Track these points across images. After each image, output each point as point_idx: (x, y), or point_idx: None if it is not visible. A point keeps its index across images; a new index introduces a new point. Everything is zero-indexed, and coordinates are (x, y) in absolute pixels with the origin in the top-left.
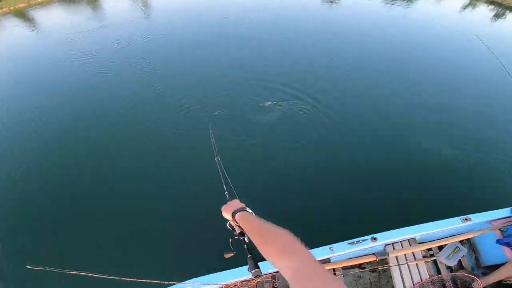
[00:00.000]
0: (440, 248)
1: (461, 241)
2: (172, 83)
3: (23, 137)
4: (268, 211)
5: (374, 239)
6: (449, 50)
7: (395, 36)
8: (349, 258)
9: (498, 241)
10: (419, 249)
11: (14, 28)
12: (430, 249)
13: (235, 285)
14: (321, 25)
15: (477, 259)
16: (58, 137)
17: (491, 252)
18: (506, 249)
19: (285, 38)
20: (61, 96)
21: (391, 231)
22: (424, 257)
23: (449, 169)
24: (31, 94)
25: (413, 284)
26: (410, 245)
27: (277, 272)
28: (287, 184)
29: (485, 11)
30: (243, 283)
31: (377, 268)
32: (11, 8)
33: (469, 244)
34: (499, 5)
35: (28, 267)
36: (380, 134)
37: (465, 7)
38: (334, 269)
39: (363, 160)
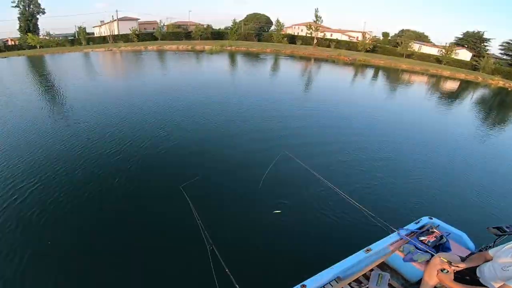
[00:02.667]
0: (367, 278)
1: (381, 268)
2: None
3: None
4: None
5: (304, 286)
6: None
7: None
8: None
9: (404, 260)
10: (346, 283)
11: None
12: (360, 282)
13: None
14: None
15: (403, 278)
16: None
17: (412, 269)
18: (415, 264)
19: None
20: None
21: (315, 276)
22: None
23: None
24: None
25: None
26: (338, 283)
27: None
28: None
29: None
30: None
31: None
32: None
33: (389, 268)
34: None
35: None
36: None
37: None
38: None
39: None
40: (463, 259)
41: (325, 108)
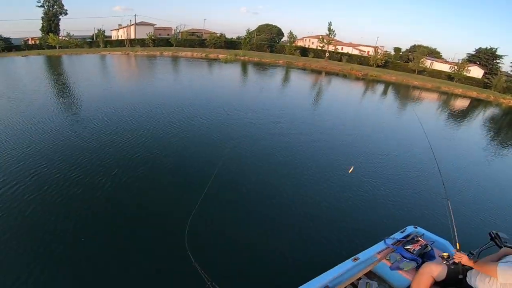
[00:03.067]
0: (354, 286)
1: (369, 277)
2: None
3: None
4: None
5: None
6: None
7: None
8: None
9: (391, 268)
10: None
11: None
12: None
13: None
14: None
15: (390, 287)
16: None
17: (398, 277)
18: (401, 272)
19: None
20: None
21: (301, 286)
22: None
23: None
24: None
25: None
26: None
27: None
28: None
29: None
30: None
31: None
32: None
33: (377, 277)
34: None
35: None
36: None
37: None
38: None
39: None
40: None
41: (324, 119)
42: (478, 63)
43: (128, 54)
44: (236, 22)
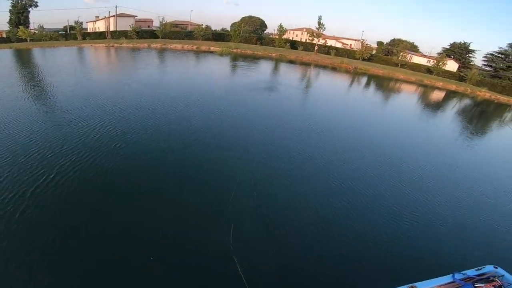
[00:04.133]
0: None
1: None
2: None
3: None
4: None
5: None
6: None
7: None
8: None
9: None
10: None
11: None
12: None
13: None
14: None
15: None
16: None
17: None
18: None
19: None
20: None
21: None
22: None
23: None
24: None
25: None
26: None
27: None
28: None
29: None
30: None
31: None
32: None
33: None
34: None
35: None
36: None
37: None
38: None
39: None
40: None
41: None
42: (452, 57)
43: (113, 46)
44: (217, 13)
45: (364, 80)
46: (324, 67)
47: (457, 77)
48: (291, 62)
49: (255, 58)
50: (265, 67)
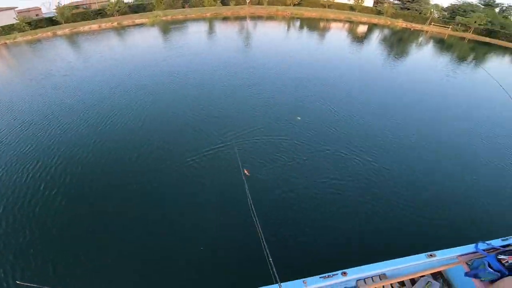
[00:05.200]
0: (412, 282)
1: (434, 276)
2: None
3: None
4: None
5: (345, 273)
6: None
7: None
8: None
9: (466, 274)
10: (389, 283)
11: None
12: (403, 284)
13: None
14: None
15: None
16: None
17: (468, 285)
18: (475, 281)
19: None
20: None
21: (359, 267)
22: None
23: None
24: None
25: None
26: (380, 280)
27: None
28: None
29: None
30: None
31: None
32: None
33: (443, 278)
34: None
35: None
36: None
37: None
38: None
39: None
40: None
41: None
42: None
43: (5, 43)
44: None
45: (301, 23)
46: (261, 17)
47: (375, 12)
48: (226, 18)
49: (191, 22)
50: (202, 28)
